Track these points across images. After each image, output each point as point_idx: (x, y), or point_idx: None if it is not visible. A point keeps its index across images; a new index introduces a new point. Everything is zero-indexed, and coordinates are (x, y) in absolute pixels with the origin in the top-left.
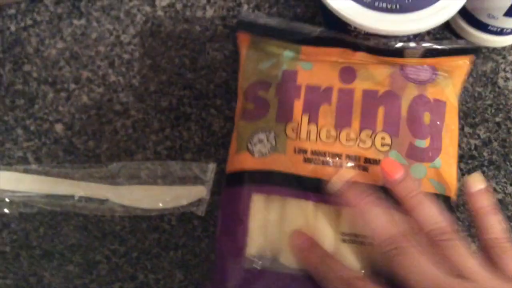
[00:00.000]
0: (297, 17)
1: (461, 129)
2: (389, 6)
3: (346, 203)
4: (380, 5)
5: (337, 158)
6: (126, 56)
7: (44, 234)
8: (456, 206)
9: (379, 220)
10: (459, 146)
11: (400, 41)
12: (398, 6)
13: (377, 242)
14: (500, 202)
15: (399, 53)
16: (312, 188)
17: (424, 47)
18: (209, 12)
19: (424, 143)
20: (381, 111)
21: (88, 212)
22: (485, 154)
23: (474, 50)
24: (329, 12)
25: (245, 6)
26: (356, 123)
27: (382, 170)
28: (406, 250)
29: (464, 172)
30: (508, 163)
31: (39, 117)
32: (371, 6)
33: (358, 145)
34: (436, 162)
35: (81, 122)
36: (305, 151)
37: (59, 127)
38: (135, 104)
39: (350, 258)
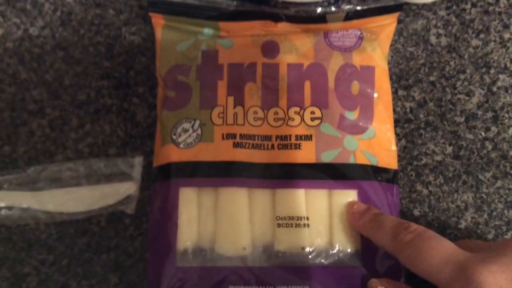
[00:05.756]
0: None
1: (395, 92)
2: None
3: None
4: None
5: (268, 140)
6: (36, 50)
7: None
8: (395, 172)
9: None
10: (394, 110)
11: (321, 6)
12: None
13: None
14: (440, 163)
15: (322, 18)
16: (245, 174)
17: (346, 9)
18: None
19: (353, 115)
20: (307, 85)
21: (11, 222)
22: (421, 116)
23: (399, 7)
24: None
25: None
26: (283, 101)
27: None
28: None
29: (400, 137)
30: (445, 122)
31: None
32: None
33: (287, 124)
34: (368, 132)
35: None
36: (234, 136)
37: None
38: (50, 101)
39: (287, 241)
